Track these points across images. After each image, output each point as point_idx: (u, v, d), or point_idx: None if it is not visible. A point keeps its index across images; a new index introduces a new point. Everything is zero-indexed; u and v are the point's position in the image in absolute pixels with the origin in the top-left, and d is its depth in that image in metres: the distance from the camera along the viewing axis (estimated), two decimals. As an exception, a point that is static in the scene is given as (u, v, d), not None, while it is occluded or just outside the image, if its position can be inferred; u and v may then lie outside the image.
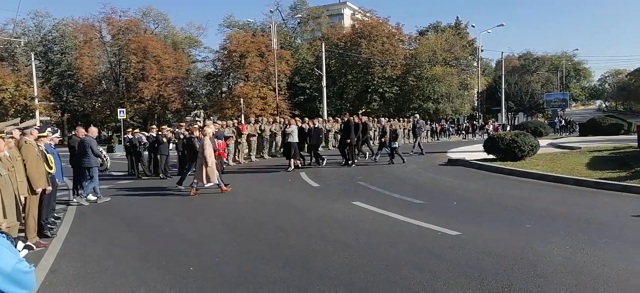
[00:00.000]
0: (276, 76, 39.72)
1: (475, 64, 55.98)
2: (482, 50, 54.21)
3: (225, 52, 44.66)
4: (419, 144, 19.96)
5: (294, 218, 7.88)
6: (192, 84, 50.85)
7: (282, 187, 11.53)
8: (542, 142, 18.67)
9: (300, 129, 15.86)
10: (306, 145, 16.50)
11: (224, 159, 13.85)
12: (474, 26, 55.04)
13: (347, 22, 60.25)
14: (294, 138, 14.90)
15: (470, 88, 55.32)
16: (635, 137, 17.03)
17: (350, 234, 6.44)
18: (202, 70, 53.16)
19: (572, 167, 11.86)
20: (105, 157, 15.72)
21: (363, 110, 44.36)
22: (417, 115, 20.76)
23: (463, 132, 43.30)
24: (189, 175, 11.51)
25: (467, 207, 8.18)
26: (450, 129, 43.90)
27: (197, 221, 7.95)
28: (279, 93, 40.61)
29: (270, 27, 42.57)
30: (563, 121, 44.36)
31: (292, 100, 44.00)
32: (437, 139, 37.56)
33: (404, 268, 4.80)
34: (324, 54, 37.74)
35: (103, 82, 47.74)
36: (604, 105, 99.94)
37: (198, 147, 10.61)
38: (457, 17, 63.50)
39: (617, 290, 4.01)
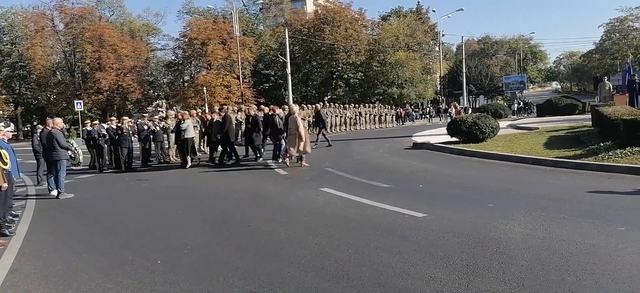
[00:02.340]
0: (240, 64, 39.20)
1: (436, 49, 57.03)
2: (443, 35, 55.24)
3: (186, 40, 43.68)
4: (323, 134, 17.87)
5: (263, 206, 7.86)
6: (152, 73, 49.51)
7: (250, 176, 11.46)
8: (502, 123, 19.27)
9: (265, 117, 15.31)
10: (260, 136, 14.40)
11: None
12: (434, 11, 56.01)
13: (310, 7, 59.94)
14: (190, 133, 13.68)
15: (432, 72, 56.36)
16: (589, 116, 17.86)
17: (319, 220, 6.48)
18: (162, 58, 51.85)
19: (531, 147, 12.33)
20: (75, 149, 15.11)
21: (329, 96, 44.50)
22: (319, 105, 18.04)
23: (427, 115, 44.20)
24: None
25: (433, 189, 8.38)
26: (415, 113, 44.70)
27: (163, 213, 7.80)
28: (243, 81, 40.16)
29: (231, 13, 41.86)
30: (521, 103, 45.90)
31: (257, 88, 43.61)
32: (402, 124, 38.19)
33: (373, 252, 4.88)
34: (287, 40, 37.45)
35: (57, 73, 45.79)
36: (559, 87, 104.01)
37: (278, 123, 12.97)
38: (418, 2, 64.45)
39: (574, 263, 4.22)
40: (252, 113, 14.71)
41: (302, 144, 11.58)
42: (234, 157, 13.65)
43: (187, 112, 15.77)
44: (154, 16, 54.44)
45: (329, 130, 26.52)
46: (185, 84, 46.76)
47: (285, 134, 12.81)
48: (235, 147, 14.02)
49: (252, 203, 8.18)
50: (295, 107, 12.80)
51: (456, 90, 53.44)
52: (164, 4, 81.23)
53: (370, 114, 32.50)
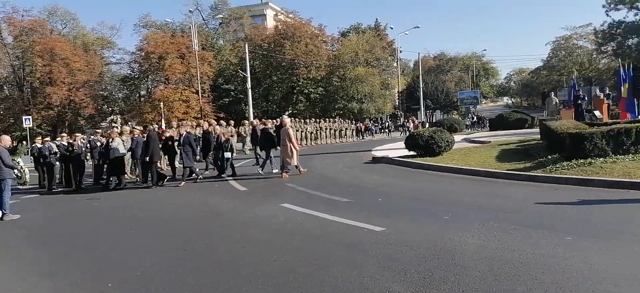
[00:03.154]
0: (199, 78, 38.67)
1: (395, 65, 58.45)
2: (400, 51, 56.81)
3: (142, 54, 42.68)
4: (258, 154, 15.61)
5: (221, 223, 7.72)
6: (106, 87, 47.97)
7: (208, 193, 11.24)
8: (457, 137, 19.89)
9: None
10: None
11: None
12: (392, 28, 57.41)
13: (270, 22, 60.14)
14: (120, 152, 13.03)
15: (391, 88, 57.62)
16: (537, 130, 18.70)
17: (279, 236, 6.44)
18: (117, 73, 50.37)
19: (484, 160, 12.77)
20: (22, 168, 14.33)
21: (290, 111, 44.56)
22: (287, 119, 14.18)
23: (387, 130, 45.02)
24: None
25: (391, 203, 8.51)
26: (374, 128, 45.46)
27: (115, 233, 7.51)
28: (202, 96, 39.58)
29: (190, 27, 41.35)
30: (475, 117, 47.57)
31: (217, 103, 43.08)
32: (362, 138, 38.69)
33: (333, 266, 4.89)
34: (247, 55, 37.35)
35: (5, 87, 43.54)
36: (510, 102, 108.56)
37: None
38: (377, 19, 65.98)
39: (524, 273, 4.38)
40: (183, 132, 14.00)
41: (296, 153, 12.80)
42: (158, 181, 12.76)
43: (115, 130, 15.26)
44: (109, 29, 52.90)
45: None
46: (142, 99, 45.56)
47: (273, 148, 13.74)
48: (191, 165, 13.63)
49: (209, 221, 8.02)
50: (287, 120, 13.57)
51: (414, 105, 54.79)
52: (120, 18, 79.01)
53: (330, 129, 32.77)
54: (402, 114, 53.76)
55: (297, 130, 28.72)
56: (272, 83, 46.65)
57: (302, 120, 31.17)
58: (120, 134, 14.41)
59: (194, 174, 13.15)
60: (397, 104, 58.85)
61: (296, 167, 12.94)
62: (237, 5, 56.56)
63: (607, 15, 52.14)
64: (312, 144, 30.27)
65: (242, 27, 53.82)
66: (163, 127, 19.00)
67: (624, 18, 50.80)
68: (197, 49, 39.09)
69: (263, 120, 18.51)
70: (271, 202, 9.13)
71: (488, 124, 35.73)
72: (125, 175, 13.60)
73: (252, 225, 7.29)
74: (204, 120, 22.46)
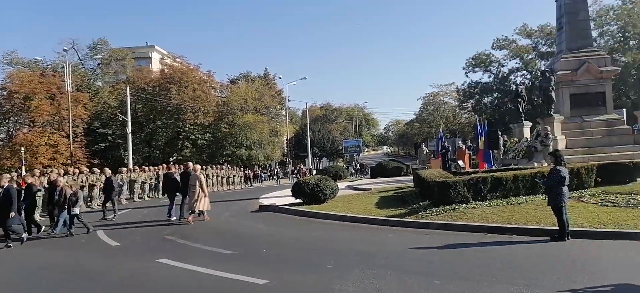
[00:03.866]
0: (71, 121, 35.37)
1: (283, 113, 59.70)
2: (289, 100, 58.31)
3: (5, 93, 38.03)
4: (105, 205, 15.05)
5: (88, 286, 6.93)
6: (-44, 128, 41.45)
7: (74, 249, 10.05)
8: (341, 184, 20.70)
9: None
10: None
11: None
12: (281, 78, 59.07)
13: (156, 66, 57.87)
14: None
15: (280, 135, 58.46)
16: (411, 177, 20.26)
17: (154, 297, 5.97)
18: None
19: (365, 207, 13.42)
20: None
21: (174, 157, 42.57)
22: (198, 167, 14.31)
23: (275, 177, 45.20)
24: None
25: (276, 253, 8.44)
26: (263, 175, 45.37)
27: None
28: (74, 140, 36.15)
29: (63, 66, 38.02)
30: (358, 165, 50.10)
31: (91, 148, 39.58)
32: (251, 185, 38.30)
33: (210, 327, 4.64)
34: (128, 97, 35.24)
35: None
36: (389, 150, 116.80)
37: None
38: (266, 69, 67.36)
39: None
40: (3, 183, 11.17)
41: (205, 199, 12.89)
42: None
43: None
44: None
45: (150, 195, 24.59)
46: (1, 143, 40.10)
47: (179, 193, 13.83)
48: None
49: (75, 283, 7.13)
50: (198, 166, 14.23)
51: (302, 152, 56.12)
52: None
53: (218, 176, 31.91)
54: (291, 161, 54.62)
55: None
56: (156, 128, 44.35)
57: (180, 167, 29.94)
58: None
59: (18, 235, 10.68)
60: (285, 151, 59.74)
61: (200, 213, 13.02)
62: (120, 47, 53.70)
63: (467, 76, 59.81)
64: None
65: (124, 69, 50.90)
66: (23, 175, 16.79)
67: (480, 79, 58.66)
68: (70, 89, 35.91)
69: (169, 165, 18.45)
70: (146, 257, 8.48)
71: (369, 172, 37.78)
72: None
73: (122, 286, 6.68)
74: (53, 170, 20.01)
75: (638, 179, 12.49)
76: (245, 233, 10.95)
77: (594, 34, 43.96)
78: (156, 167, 26.19)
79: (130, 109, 35.86)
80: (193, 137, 44.51)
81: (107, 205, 15.08)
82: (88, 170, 21.86)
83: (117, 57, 50.14)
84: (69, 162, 32.92)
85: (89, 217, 13.05)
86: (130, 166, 28.96)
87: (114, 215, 14.71)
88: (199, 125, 44.59)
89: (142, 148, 43.34)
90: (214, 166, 33.35)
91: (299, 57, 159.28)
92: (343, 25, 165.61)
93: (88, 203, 18.75)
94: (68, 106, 35.16)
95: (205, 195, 12.92)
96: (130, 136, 34.30)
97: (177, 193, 14.07)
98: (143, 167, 25.80)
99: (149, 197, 24.26)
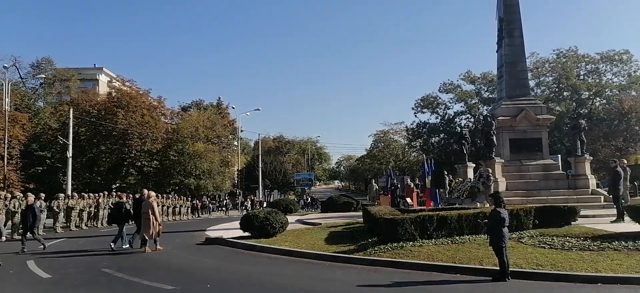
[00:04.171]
0: (6, 141, 33.25)
1: (235, 143, 59.03)
2: (241, 131, 57.80)
3: None
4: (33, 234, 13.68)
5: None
6: None
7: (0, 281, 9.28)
8: (292, 218, 20.52)
9: None
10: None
11: None
12: (234, 108, 58.65)
13: (103, 89, 56.01)
14: None
15: (231, 165, 57.61)
16: (361, 213, 20.44)
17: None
18: None
19: (314, 242, 13.31)
20: None
21: (118, 184, 40.77)
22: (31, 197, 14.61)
23: (224, 208, 44.22)
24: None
25: (221, 290, 8.16)
26: (211, 205, 44.25)
27: None
28: (9, 162, 33.92)
29: (1, 84, 35.95)
30: (309, 198, 50.10)
31: (27, 171, 37.23)
32: (198, 216, 37.21)
33: None
34: (71, 120, 33.65)
35: None
36: (340, 185, 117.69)
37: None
38: (219, 98, 66.80)
39: None
40: None
41: (158, 226, 12.91)
42: None
43: None
44: None
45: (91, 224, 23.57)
46: None
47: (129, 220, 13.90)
48: None
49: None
50: (152, 193, 13.97)
51: (253, 184, 55.44)
52: None
53: (164, 205, 30.75)
54: (241, 192, 53.76)
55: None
56: (99, 153, 42.42)
57: (131, 195, 28.69)
58: None
59: None
60: (236, 182, 58.81)
61: (154, 242, 12.96)
62: (65, 67, 51.61)
63: (415, 116, 62.09)
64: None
65: (69, 90, 48.90)
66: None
67: (428, 120, 61.01)
68: (8, 108, 33.91)
69: (118, 193, 18.36)
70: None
71: (320, 206, 37.81)
72: None
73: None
74: (8, 190, 18.77)
75: (572, 222, 13.21)
76: (188, 268, 10.53)
77: (531, 83, 47.14)
78: (96, 194, 24.93)
79: (73, 132, 34.26)
80: (139, 163, 42.94)
81: (27, 236, 13.32)
82: (10, 195, 20.03)
83: (61, 78, 48.22)
84: (2, 185, 30.79)
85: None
86: (69, 192, 27.39)
87: (44, 247, 13.47)
88: (146, 151, 43.15)
89: (83, 173, 41.26)
90: (160, 195, 32.15)
91: (253, 88, 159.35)
92: (300, 62, 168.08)
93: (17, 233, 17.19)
94: (5, 126, 33.11)
95: (159, 223, 13.03)
96: (70, 160, 32.60)
97: (127, 223, 14.10)
98: (82, 193, 24.45)
99: (87, 225, 22.96)
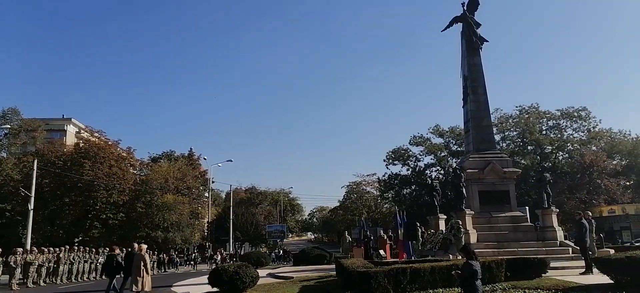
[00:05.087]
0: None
1: (206, 195, 57.95)
2: (213, 182, 56.94)
3: None
4: None
5: None
6: None
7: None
8: (263, 272, 19.99)
9: None
10: None
11: None
12: (206, 159, 58.01)
13: (71, 140, 54.73)
14: None
15: (201, 217, 56.22)
16: (334, 266, 20.13)
17: None
18: None
19: (285, 298, 12.97)
20: None
21: (80, 238, 39.06)
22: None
23: (192, 262, 42.74)
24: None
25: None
26: (179, 259, 42.70)
27: None
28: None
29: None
30: (281, 251, 49.06)
31: (-16, 224, 35.36)
32: (165, 270, 35.82)
33: None
34: (35, 171, 32.48)
35: None
36: (313, 237, 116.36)
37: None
38: (191, 148, 65.98)
39: None
40: None
41: (148, 279, 13.69)
42: None
43: None
44: None
45: (74, 278, 23.18)
46: None
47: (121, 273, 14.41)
48: None
49: None
50: (144, 246, 14.75)
51: (223, 236, 54.05)
52: None
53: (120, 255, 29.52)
54: (211, 245, 52.25)
55: (86, 262, 25.23)
56: (63, 205, 40.75)
57: (94, 250, 27.50)
58: None
59: None
60: (206, 234, 57.24)
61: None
62: (32, 117, 50.36)
63: (387, 168, 62.80)
64: (104, 277, 26.59)
65: (34, 141, 47.50)
66: None
67: (400, 171, 61.76)
68: (-33, 159, 32.54)
69: (112, 246, 18.95)
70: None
71: (292, 259, 37.06)
72: None
73: None
74: None
75: (543, 275, 13.34)
76: (154, 326, 10.02)
77: (497, 138, 48.85)
78: (57, 249, 23.78)
79: (36, 184, 33.02)
80: (104, 216, 41.42)
81: None
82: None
83: (27, 128, 46.98)
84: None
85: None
86: (28, 247, 26.04)
87: None
88: (112, 204, 41.80)
89: (44, 227, 39.47)
90: (124, 249, 30.89)
91: (225, 139, 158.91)
92: (272, 115, 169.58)
93: None
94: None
95: (148, 275, 13.82)
96: (31, 213, 31.18)
97: (118, 275, 14.68)
98: (42, 248, 23.28)
99: (45, 282, 21.75)
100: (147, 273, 13.68)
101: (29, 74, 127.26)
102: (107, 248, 23.64)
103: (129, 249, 16.02)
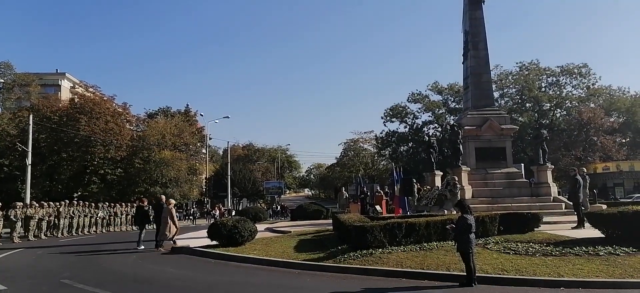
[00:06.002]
0: (-41, 148, 31.59)
1: (204, 151, 58.06)
2: (210, 138, 56.89)
3: None
4: None
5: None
6: None
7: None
8: (261, 226, 20.28)
9: None
10: None
11: None
12: (202, 115, 57.73)
13: (66, 95, 54.13)
14: None
15: (199, 173, 56.55)
16: (331, 220, 20.42)
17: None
18: None
19: (283, 250, 13.18)
20: None
21: (79, 193, 39.31)
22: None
23: (191, 217, 43.31)
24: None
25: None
26: (178, 214, 43.22)
27: None
28: (-38, 169, 32.25)
29: (-44, 87, 34.23)
30: (279, 207, 49.69)
31: (-18, 179, 35.47)
32: (164, 225, 36.27)
33: None
34: (31, 126, 32.31)
35: None
36: (310, 193, 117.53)
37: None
38: (187, 105, 65.63)
39: None
40: None
41: (175, 229, 15.24)
42: None
43: None
44: None
45: (74, 232, 23.56)
46: None
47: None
48: None
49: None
50: (172, 201, 16.76)
51: (221, 192, 54.56)
52: None
53: (127, 214, 29.90)
54: (209, 200, 52.81)
55: (86, 216, 25.51)
56: (60, 160, 40.80)
57: (93, 204, 27.76)
58: None
59: None
60: (204, 190, 57.77)
61: (172, 240, 15.18)
62: (25, 71, 49.65)
63: (385, 125, 62.83)
64: (104, 231, 27.02)
65: (29, 96, 47.02)
66: None
67: (397, 129, 61.83)
68: (-39, 112, 32.27)
69: (142, 198, 20.48)
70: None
71: (290, 214, 37.58)
72: None
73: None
74: None
75: (536, 229, 13.58)
76: (152, 278, 10.21)
77: (496, 95, 48.58)
78: (57, 203, 23.97)
79: (33, 139, 32.88)
80: (102, 171, 41.54)
81: None
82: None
83: (21, 83, 46.39)
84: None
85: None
86: (27, 201, 26.22)
87: None
88: (109, 159, 41.83)
89: (43, 182, 39.61)
90: (122, 204, 31.23)
91: (222, 95, 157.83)
92: (270, 71, 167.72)
93: None
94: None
95: (175, 226, 15.25)
96: (29, 168, 31.23)
97: (147, 225, 16.64)
98: (42, 202, 23.45)
99: (46, 235, 22.03)
100: (175, 224, 15.21)
101: (20, 30, 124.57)
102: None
103: (155, 201, 18.11)
